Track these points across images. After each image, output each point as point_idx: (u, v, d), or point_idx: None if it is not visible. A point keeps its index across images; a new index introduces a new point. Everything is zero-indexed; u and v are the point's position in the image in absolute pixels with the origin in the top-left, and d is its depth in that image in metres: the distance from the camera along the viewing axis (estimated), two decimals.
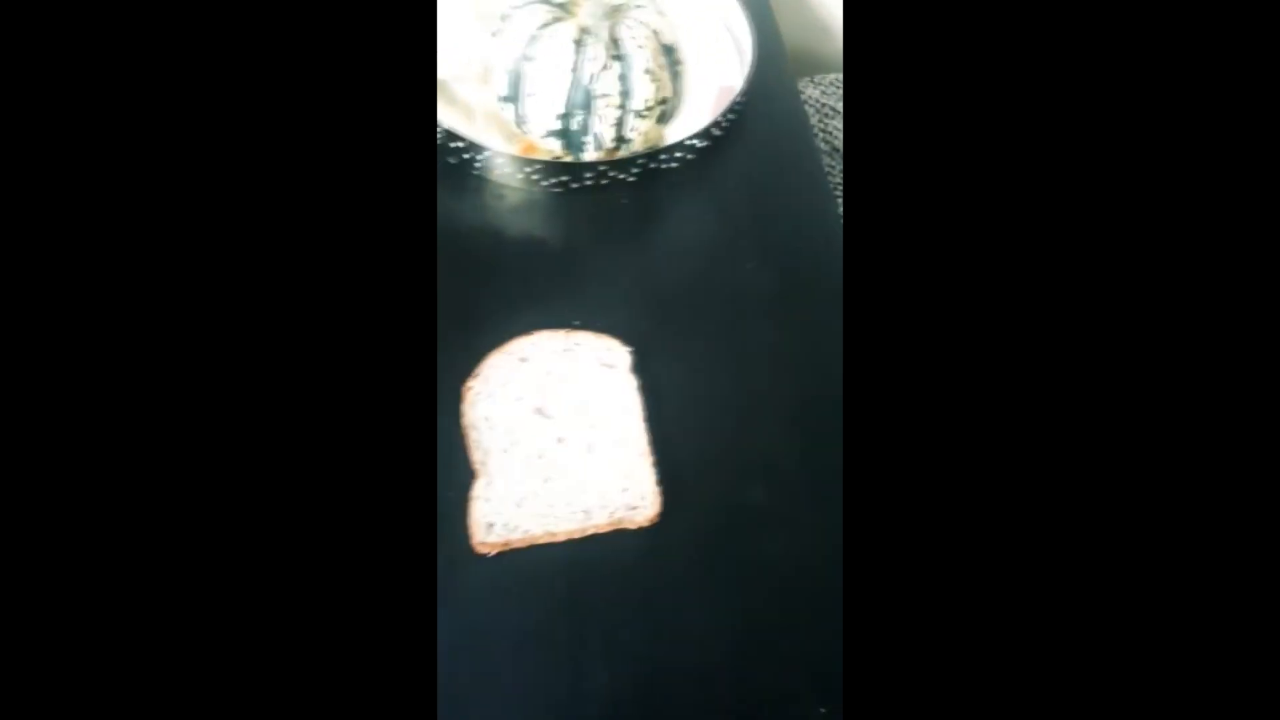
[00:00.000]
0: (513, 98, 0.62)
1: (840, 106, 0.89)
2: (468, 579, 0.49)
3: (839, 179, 0.85)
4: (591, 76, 0.60)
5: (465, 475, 0.52)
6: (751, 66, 0.74)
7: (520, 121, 0.64)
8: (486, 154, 0.65)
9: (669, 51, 0.63)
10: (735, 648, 0.48)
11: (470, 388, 0.55)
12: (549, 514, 0.51)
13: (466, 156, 0.66)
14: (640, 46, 0.60)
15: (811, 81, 0.91)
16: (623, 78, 0.60)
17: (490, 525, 0.50)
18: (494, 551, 0.50)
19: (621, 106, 0.61)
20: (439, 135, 0.66)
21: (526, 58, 0.60)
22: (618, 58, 0.60)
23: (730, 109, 0.70)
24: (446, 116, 0.71)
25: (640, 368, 0.57)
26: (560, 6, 0.62)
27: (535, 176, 0.65)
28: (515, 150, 0.68)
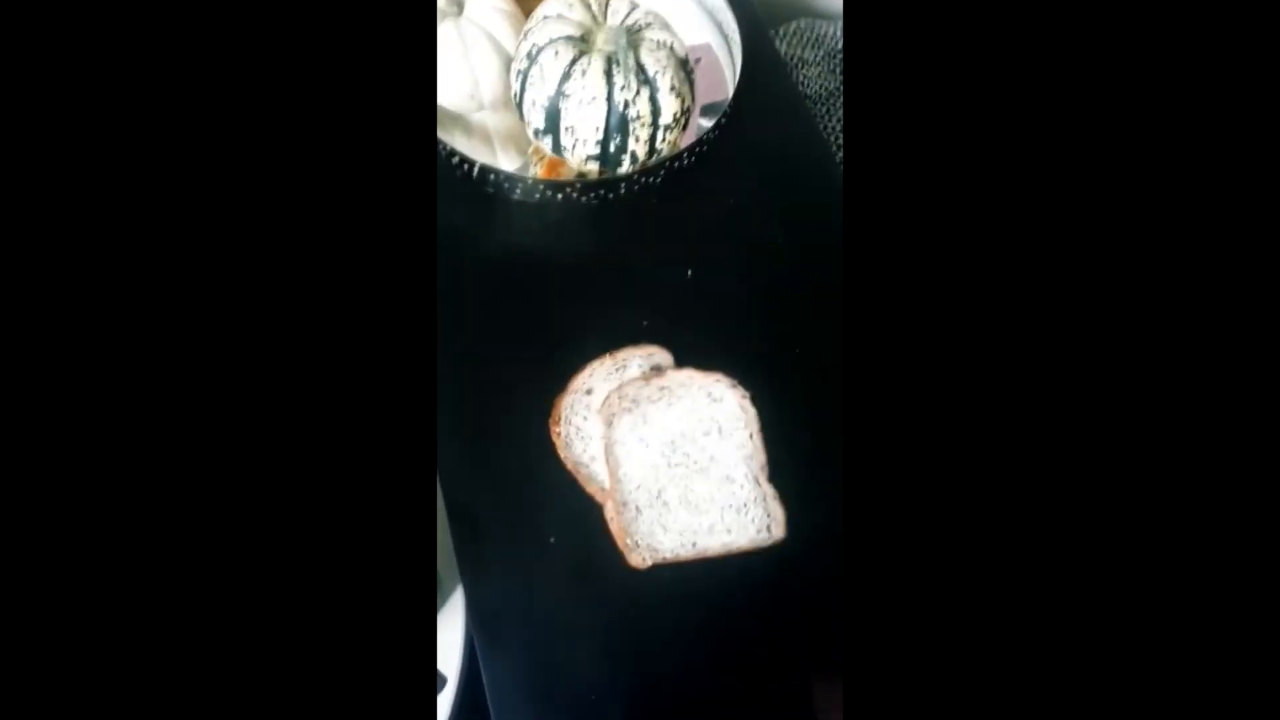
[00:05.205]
0: (551, 130, 0.65)
1: (806, 55, 0.94)
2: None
3: (824, 123, 0.91)
4: (625, 103, 0.63)
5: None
6: (743, 55, 0.78)
7: (559, 150, 0.66)
8: (528, 181, 0.67)
9: (684, 64, 0.66)
10: None
11: (558, 433, 0.60)
12: (685, 532, 0.59)
13: (506, 186, 0.68)
14: (665, 67, 0.63)
15: (776, 36, 0.95)
16: (653, 99, 0.64)
17: (637, 544, 0.57)
18: (646, 566, 0.57)
19: (654, 124, 0.65)
20: (476, 170, 0.68)
21: (563, 94, 0.63)
22: (646, 82, 0.63)
23: (731, 104, 0.74)
24: (468, 147, 0.73)
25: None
26: (579, 40, 0.64)
27: (574, 194, 0.69)
28: (543, 170, 0.71)
